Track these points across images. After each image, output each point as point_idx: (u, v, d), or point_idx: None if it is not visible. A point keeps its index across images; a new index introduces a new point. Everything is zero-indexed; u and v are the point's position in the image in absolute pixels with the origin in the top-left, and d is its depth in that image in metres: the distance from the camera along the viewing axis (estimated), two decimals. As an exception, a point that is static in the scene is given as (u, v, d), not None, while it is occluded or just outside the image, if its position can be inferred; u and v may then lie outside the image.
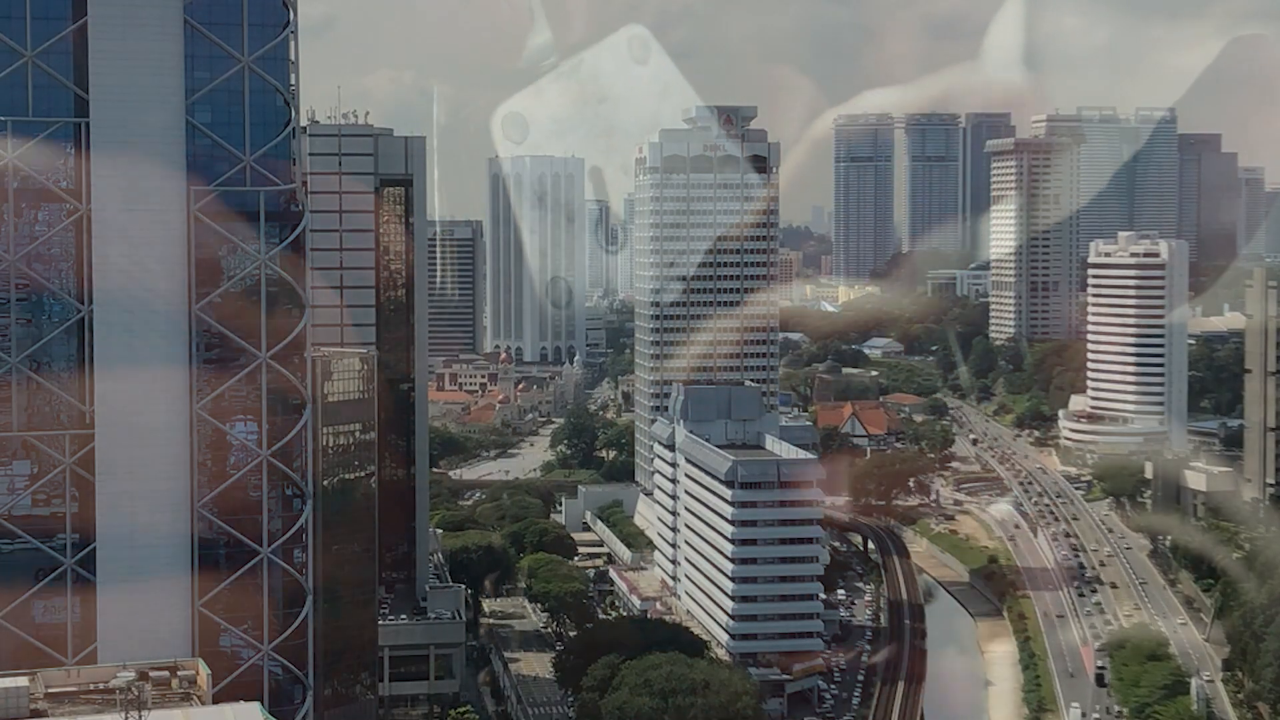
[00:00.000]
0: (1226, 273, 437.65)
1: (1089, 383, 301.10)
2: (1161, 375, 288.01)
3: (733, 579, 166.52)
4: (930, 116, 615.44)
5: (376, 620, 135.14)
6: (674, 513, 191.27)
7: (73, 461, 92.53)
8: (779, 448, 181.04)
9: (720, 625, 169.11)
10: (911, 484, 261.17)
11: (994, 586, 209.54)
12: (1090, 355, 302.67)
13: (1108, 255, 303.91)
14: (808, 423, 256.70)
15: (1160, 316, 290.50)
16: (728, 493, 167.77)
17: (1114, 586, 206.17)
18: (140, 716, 57.74)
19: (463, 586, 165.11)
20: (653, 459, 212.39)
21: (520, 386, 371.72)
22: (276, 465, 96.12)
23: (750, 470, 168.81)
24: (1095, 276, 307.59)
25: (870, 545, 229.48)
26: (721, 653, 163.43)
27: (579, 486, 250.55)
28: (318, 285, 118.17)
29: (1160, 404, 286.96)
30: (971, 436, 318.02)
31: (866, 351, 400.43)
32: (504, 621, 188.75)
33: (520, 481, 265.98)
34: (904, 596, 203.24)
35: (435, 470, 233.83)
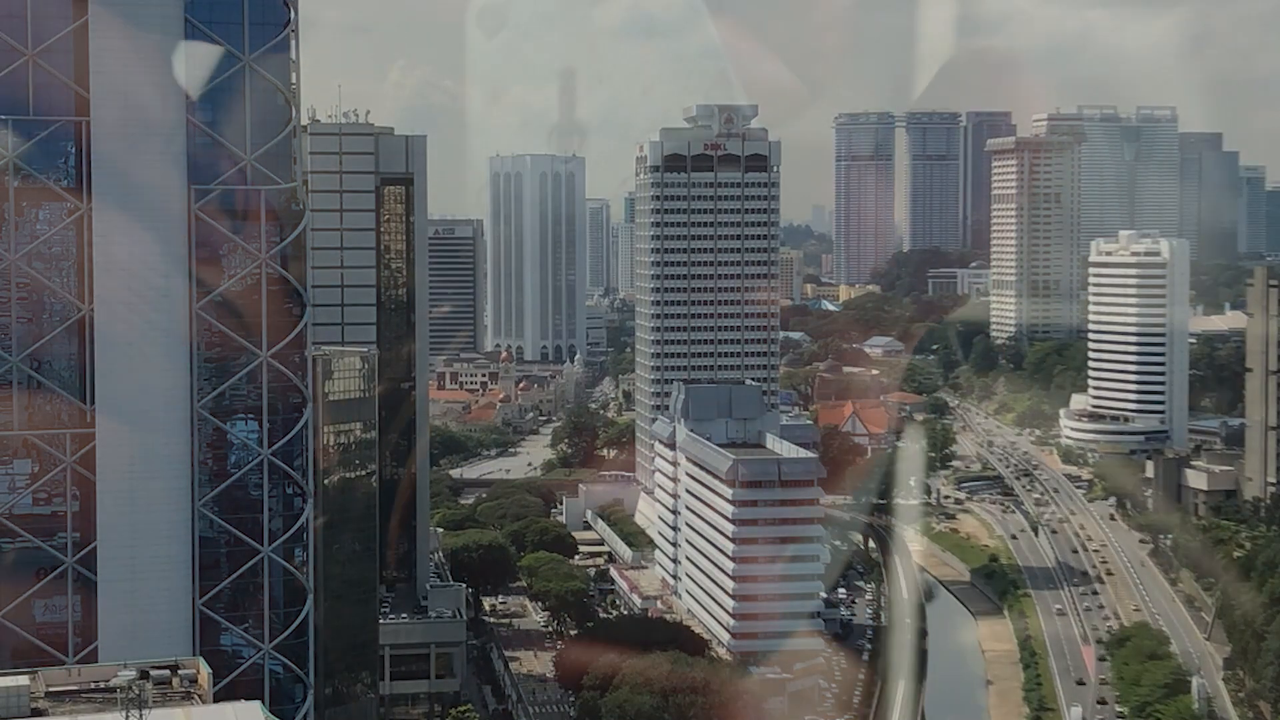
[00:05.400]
0: (1227, 271, 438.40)
1: (1090, 381, 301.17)
2: (1162, 374, 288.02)
3: (733, 578, 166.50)
4: (931, 115, 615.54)
5: (377, 619, 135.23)
6: (675, 511, 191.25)
7: (73, 460, 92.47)
8: (780, 447, 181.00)
9: (721, 624, 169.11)
10: (912, 482, 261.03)
11: (995, 585, 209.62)
12: (1091, 354, 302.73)
13: (1109, 254, 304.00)
14: (808, 421, 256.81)
15: (1161, 315, 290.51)
16: (728, 491, 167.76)
17: (1115, 585, 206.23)
18: (141, 716, 57.69)
19: (463, 585, 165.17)
20: (653, 458, 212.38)
21: (521, 385, 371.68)
22: (277, 464, 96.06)
23: (751, 469, 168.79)
24: (1096, 275, 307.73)
25: (871, 544, 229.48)
26: (722, 651, 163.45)
27: (580, 485, 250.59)
28: (318, 284, 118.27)
29: (1161, 403, 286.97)
30: (972, 435, 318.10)
31: (867, 350, 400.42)
32: (505, 620, 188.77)
33: (521, 480, 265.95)
34: (905, 595, 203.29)
35: (436, 469, 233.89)
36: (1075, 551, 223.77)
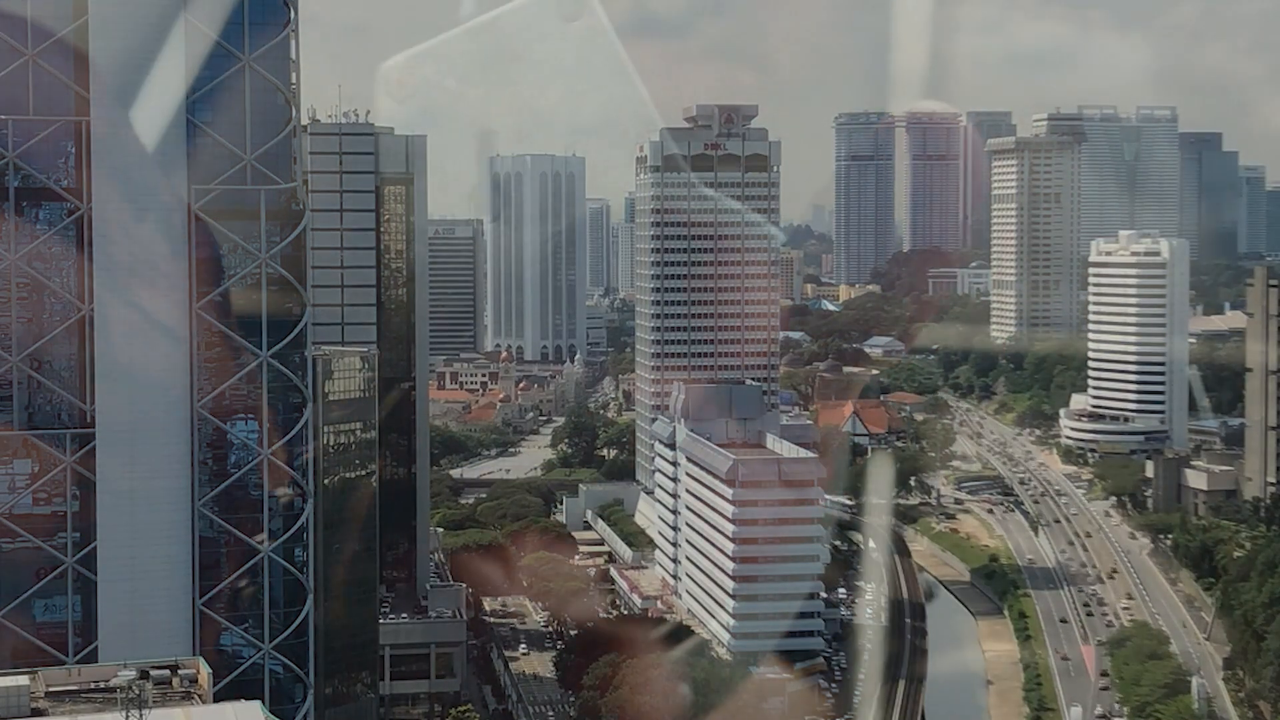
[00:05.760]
0: (1227, 271, 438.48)
1: (1090, 381, 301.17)
2: (1162, 374, 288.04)
3: (733, 578, 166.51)
4: (931, 115, 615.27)
5: (377, 619, 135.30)
6: (675, 511, 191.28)
7: (73, 460, 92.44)
8: (780, 447, 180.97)
9: (721, 624, 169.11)
10: (912, 482, 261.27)
11: (995, 585, 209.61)
12: (1091, 354, 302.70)
13: (1109, 254, 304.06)
14: (808, 421, 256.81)
15: (1161, 315, 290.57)
16: (728, 491, 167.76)
17: (1115, 585, 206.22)
18: (141, 716, 57.66)
19: (463, 585, 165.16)
20: (654, 458, 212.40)
21: (521, 385, 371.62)
22: (277, 464, 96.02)
23: (751, 469, 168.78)
24: (1096, 275, 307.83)
25: (871, 544, 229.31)
26: (722, 651, 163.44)
27: (580, 485, 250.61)
28: (318, 284, 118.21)
29: (1161, 403, 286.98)
30: (972, 435, 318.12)
31: (867, 350, 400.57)
32: (505, 620, 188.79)
33: (521, 480, 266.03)
34: (905, 595, 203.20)
35: (436, 469, 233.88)
36: (1075, 552, 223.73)
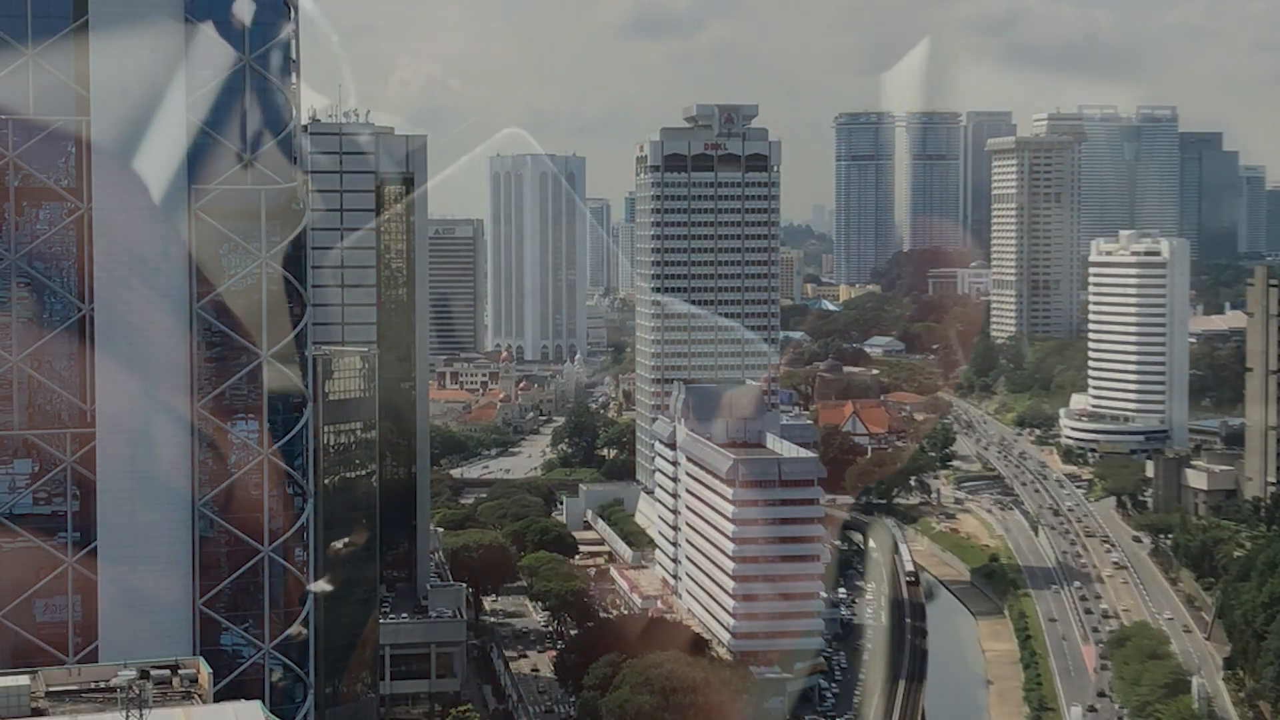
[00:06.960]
0: (1227, 271, 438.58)
1: (1090, 381, 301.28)
2: (1162, 374, 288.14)
3: (733, 577, 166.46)
4: (931, 115, 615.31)
5: (378, 619, 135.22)
6: (675, 511, 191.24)
7: (74, 460, 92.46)
8: (780, 447, 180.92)
9: (721, 624, 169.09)
10: (913, 482, 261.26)
11: (995, 585, 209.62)
12: (1091, 354, 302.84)
13: (1109, 254, 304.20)
14: (808, 421, 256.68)
15: (1161, 315, 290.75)
16: (728, 491, 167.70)
17: (1115, 585, 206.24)
18: (141, 715, 57.70)
19: (463, 585, 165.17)
20: (654, 457, 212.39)
21: (521, 385, 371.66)
22: (277, 464, 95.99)
23: (751, 469, 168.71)
24: (1096, 275, 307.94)
25: (871, 544, 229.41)
26: (722, 651, 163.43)
27: (580, 485, 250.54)
28: (318, 284, 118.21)
29: (1161, 402, 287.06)
30: (972, 435, 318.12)
31: (867, 350, 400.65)
32: (505, 620, 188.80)
33: (521, 480, 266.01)
34: (905, 595, 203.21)
35: (436, 469, 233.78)
36: (1076, 551, 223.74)
